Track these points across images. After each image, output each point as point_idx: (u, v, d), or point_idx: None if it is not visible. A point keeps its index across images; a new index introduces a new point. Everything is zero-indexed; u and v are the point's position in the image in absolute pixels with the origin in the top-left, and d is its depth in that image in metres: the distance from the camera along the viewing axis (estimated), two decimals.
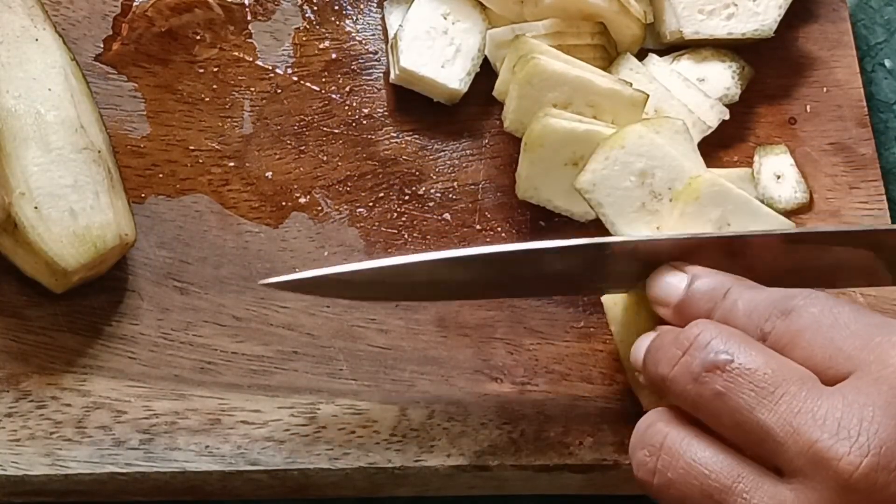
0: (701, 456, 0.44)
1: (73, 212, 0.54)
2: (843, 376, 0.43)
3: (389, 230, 0.60)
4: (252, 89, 0.63)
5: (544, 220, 0.60)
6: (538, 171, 0.58)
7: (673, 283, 0.49)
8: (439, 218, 0.61)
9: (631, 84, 0.60)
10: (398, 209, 0.61)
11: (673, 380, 0.45)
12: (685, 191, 0.55)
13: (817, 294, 0.46)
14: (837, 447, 0.40)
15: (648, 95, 0.59)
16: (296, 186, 0.61)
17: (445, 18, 0.63)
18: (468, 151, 0.62)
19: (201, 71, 0.64)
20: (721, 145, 0.63)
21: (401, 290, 0.52)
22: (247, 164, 0.61)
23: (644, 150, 0.55)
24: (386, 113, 0.63)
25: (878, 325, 0.44)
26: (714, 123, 0.62)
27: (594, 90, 0.59)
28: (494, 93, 0.62)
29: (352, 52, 0.65)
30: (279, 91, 0.63)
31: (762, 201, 0.61)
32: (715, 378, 0.43)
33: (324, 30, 0.66)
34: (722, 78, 0.64)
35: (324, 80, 0.64)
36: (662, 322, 0.51)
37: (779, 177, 0.62)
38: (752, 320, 0.46)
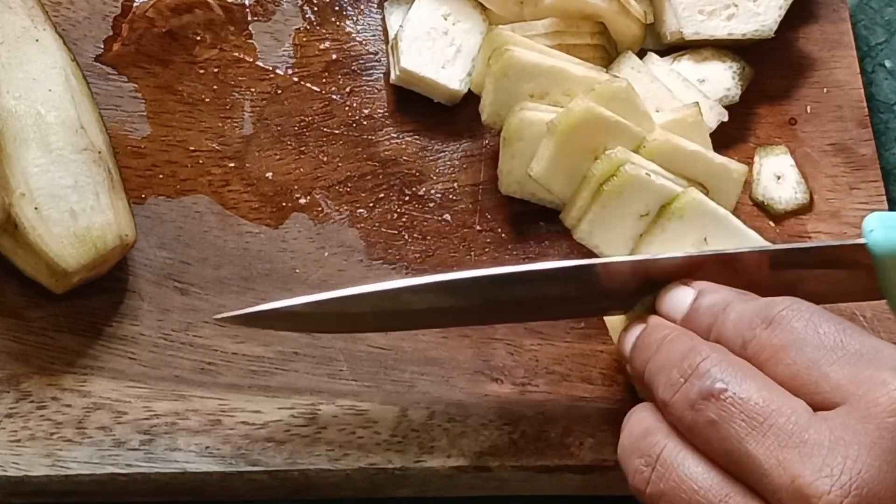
0: (693, 472, 0.44)
1: (74, 212, 0.54)
2: (830, 405, 0.43)
3: (390, 231, 0.60)
4: (252, 90, 0.63)
5: (545, 220, 0.60)
6: (519, 164, 0.58)
7: (680, 299, 0.50)
8: (440, 218, 0.61)
9: (626, 77, 0.60)
10: (398, 210, 0.61)
11: (672, 405, 0.45)
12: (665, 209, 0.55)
13: (800, 305, 0.46)
14: (819, 484, 0.40)
15: (628, 81, 0.59)
16: (296, 187, 0.61)
17: (446, 19, 0.63)
18: (468, 152, 0.62)
19: (202, 71, 0.64)
20: (721, 146, 0.63)
21: (365, 320, 0.52)
22: (247, 165, 0.61)
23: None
24: (386, 113, 0.63)
25: (865, 353, 0.44)
26: (713, 124, 0.62)
27: (570, 79, 0.59)
28: (471, 86, 0.62)
29: (352, 53, 0.65)
30: (279, 92, 0.63)
31: (762, 202, 0.61)
32: (709, 406, 0.44)
33: (324, 30, 0.66)
34: (722, 78, 0.64)
35: (324, 80, 0.64)
36: None
37: (779, 177, 0.62)
38: (738, 330, 0.47)
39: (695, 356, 0.46)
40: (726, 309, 0.48)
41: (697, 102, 0.60)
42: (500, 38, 0.59)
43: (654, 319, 0.51)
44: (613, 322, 0.55)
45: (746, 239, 0.56)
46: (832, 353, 0.44)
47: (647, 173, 0.56)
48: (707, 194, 0.57)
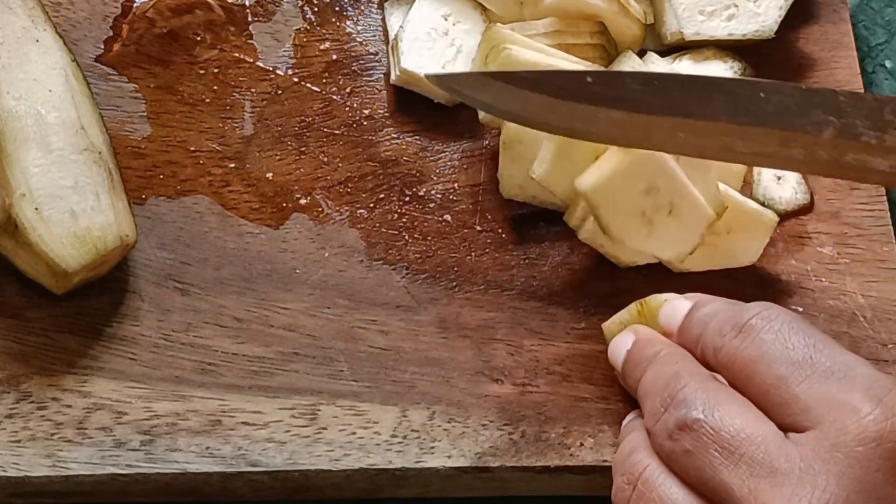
0: (673, 493, 0.45)
1: (74, 213, 0.54)
2: (801, 427, 0.43)
3: (390, 231, 0.60)
4: (253, 90, 0.63)
5: (546, 221, 0.60)
6: (520, 168, 0.58)
7: (676, 311, 0.51)
8: (440, 219, 0.61)
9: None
10: (399, 210, 0.61)
11: (653, 434, 0.46)
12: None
13: (771, 313, 0.46)
14: None
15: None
16: (296, 187, 0.61)
17: (446, 19, 0.63)
18: (469, 152, 0.62)
19: (202, 72, 0.64)
20: None
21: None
22: (247, 166, 0.61)
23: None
24: (387, 114, 0.63)
25: (836, 371, 0.44)
26: None
27: None
28: None
29: (352, 53, 0.65)
30: (280, 92, 0.63)
31: (762, 203, 0.61)
32: (684, 437, 0.44)
33: (324, 31, 0.66)
34: None
35: (324, 81, 0.64)
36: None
37: (779, 178, 0.62)
38: (712, 337, 0.47)
39: (675, 383, 0.46)
40: (713, 319, 0.48)
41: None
42: (498, 37, 0.59)
43: (643, 332, 0.51)
44: (610, 329, 0.55)
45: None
46: (801, 371, 0.44)
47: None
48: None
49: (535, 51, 0.59)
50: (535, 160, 0.57)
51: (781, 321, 0.46)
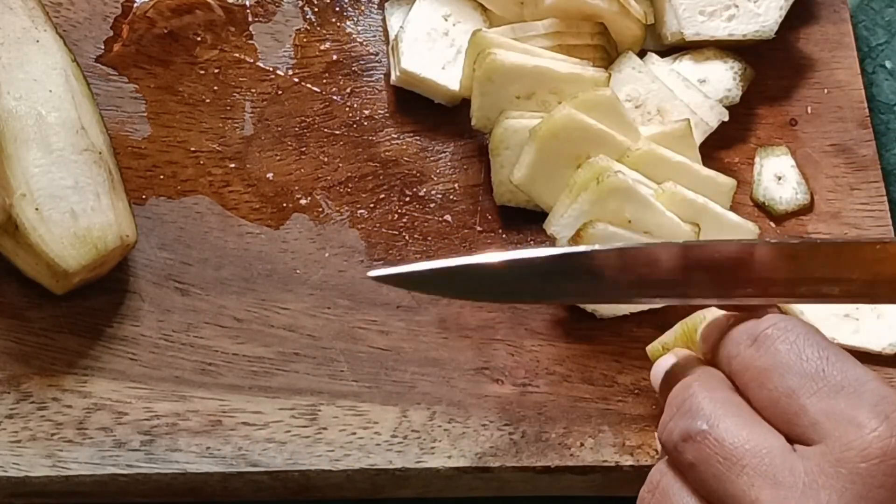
0: (685, 503, 0.45)
1: (74, 213, 0.54)
2: (808, 441, 0.43)
3: (390, 231, 0.60)
4: (253, 90, 0.63)
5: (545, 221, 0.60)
6: (509, 173, 0.58)
7: (713, 329, 0.50)
8: (440, 219, 0.61)
9: (627, 77, 0.60)
10: (399, 210, 0.61)
11: (663, 445, 0.46)
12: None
13: (786, 324, 0.46)
14: None
15: (610, 74, 0.59)
16: (297, 188, 0.61)
17: (446, 20, 0.63)
18: (469, 153, 0.62)
19: (202, 72, 0.64)
20: (722, 146, 0.63)
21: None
22: (248, 166, 0.61)
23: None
24: (387, 114, 0.63)
25: (847, 386, 0.44)
26: (714, 124, 0.62)
27: (555, 77, 0.59)
28: (461, 89, 0.61)
29: (353, 54, 0.65)
30: (280, 92, 0.63)
31: (762, 203, 0.61)
32: (688, 448, 0.44)
33: (325, 31, 0.66)
34: (723, 79, 0.64)
35: (325, 81, 0.64)
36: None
37: (780, 178, 0.62)
38: (727, 346, 0.47)
39: (683, 392, 0.46)
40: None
41: (688, 119, 0.60)
42: (484, 41, 0.59)
43: (682, 355, 0.51)
44: (653, 352, 0.55)
45: (738, 229, 0.56)
46: (813, 383, 0.44)
47: (631, 181, 0.55)
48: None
49: (520, 52, 0.59)
50: (515, 165, 0.57)
51: (797, 332, 0.45)
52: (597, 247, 0.49)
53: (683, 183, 0.58)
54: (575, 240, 0.55)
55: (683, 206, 0.57)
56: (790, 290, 0.49)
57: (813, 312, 0.58)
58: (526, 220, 0.60)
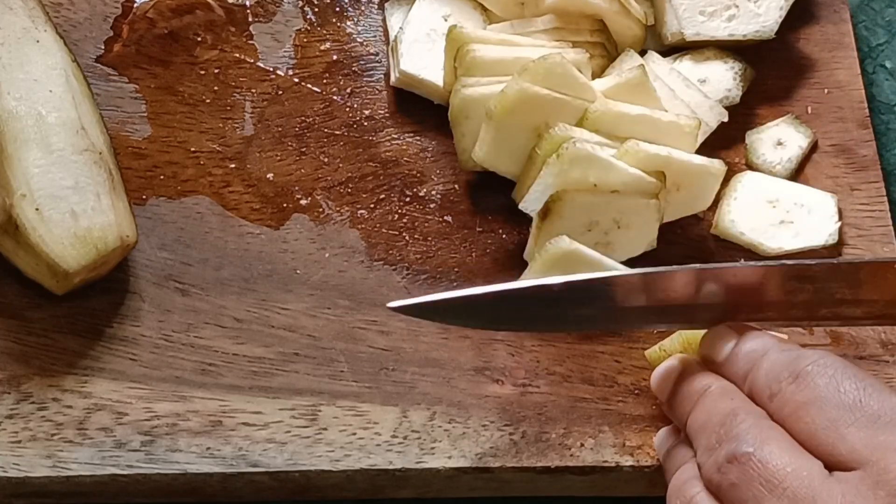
0: None
1: (75, 213, 0.54)
2: (846, 467, 0.44)
3: (391, 232, 0.60)
4: (253, 91, 0.63)
5: None
6: (471, 141, 0.58)
7: (722, 342, 0.51)
8: (440, 219, 0.61)
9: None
10: (399, 211, 0.61)
11: (704, 467, 0.47)
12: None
13: (826, 360, 0.47)
14: None
15: (562, 55, 0.59)
16: (297, 188, 0.61)
17: (446, 20, 0.63)
18: None
19: (202, 72, 0.64)
20: (721, 146, 0.63)
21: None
22: (248, 166, 0.61)
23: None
24: (387, 114, 0.63)
25: (884, 415, 0.45)
26: (714, 124, 0.62)
27: None
28: (442, 83, 0.61)
29: (353, 54, 0.65)
30: (280, 93, 0.63)
31: (760, 168, 0.62)
32: (732, 469, 0.45)
33: (325, 31, 0.66)
34: (723, 79, 0.64)
35: (325, 81, 0.64)
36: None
37: (781, 143, 0.63)
38: (767, 381, 0.48)
39: (732, 421, 0.47)
40: (763, 357, 0.49)
41: (643, 65, 0.60)
42: (461, 38, 0.59)
43: (690, 365, 0.52)
44: (652, 357, 0.55)
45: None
46: (850, 414, 0.45)
47: (591, 147, 0.55)
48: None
49: (497, 44, 0.59)
50: (476, 143, 0.57)
51: (835, 367, 0.47)
52: (614, 273, 0.50)
53: (646, 133, 0.57)
54: (544, 212, 0.55)
55: (647, 161, 0.56)
56: (810, 312, 0.51)
57: (750, 227, 0.60)
58: (526, 220, 0.60)
